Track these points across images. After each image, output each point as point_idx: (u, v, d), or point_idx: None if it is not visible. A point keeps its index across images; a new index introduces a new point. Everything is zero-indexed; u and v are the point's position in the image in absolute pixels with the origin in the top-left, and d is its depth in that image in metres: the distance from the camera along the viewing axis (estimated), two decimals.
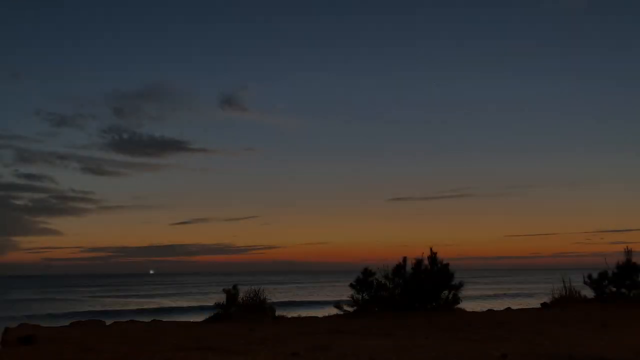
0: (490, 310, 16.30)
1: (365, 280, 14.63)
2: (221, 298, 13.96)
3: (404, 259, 15.05)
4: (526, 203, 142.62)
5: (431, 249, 15.07)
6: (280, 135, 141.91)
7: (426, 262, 14.91)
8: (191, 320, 14.33)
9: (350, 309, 14.40)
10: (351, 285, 14.75)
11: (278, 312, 14.30)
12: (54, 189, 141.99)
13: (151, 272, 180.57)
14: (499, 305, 21.51)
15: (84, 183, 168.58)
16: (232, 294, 13.65)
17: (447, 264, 14.90)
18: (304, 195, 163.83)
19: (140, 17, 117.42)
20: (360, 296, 14.52)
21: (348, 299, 14.72)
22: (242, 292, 13.83)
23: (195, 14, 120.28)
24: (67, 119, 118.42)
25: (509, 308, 17.42)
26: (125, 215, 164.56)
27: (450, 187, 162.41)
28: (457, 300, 14.72)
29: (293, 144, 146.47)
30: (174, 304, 41.23)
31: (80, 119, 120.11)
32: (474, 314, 14.45)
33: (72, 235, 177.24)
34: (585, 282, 17.08)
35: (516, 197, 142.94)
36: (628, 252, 16.82)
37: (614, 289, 16.73)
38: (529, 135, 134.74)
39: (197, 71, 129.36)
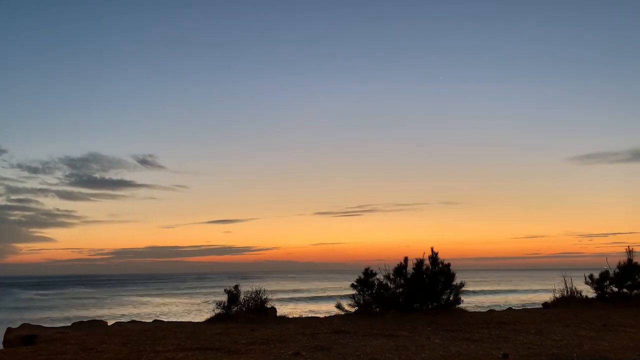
0: (491, 311, 16.29)
1: (366, 280, 14.54)
2: (222, 298, 13.94)
3: (405, 259, 14.97)
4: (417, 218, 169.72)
5: (432, 249, 14.98)
6: (200, 179, 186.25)
7: (427, 262, 14.84)
8: (192, 321, 14.34)
9: (351, 309, 14.35)
10: (352, 286, 14.66)
11: (279, 312, 14.30)
12: (41, 208, 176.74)
13: None
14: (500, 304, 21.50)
15: (65, 205, 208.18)
16: (233, 294, 13.60)
17: (449, 264, 14.78)
18: (252, 206, 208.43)
19: (77, 105, 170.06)
20: (362, 296, 14.45)
21: (349, 297, 14.64)
22: (243, 293, 13.79)
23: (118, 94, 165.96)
24: (39, 170, 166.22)
25: (510, 308, 17.43)
26: (107, 227, 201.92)
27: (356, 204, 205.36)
28: (458, 300, 14.67)
29: (215, 183, 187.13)
30: (174, 304, 41.24)
31: (48, 169, 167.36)
32: (475, 314, 14.44)
33: (65, 241, 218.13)
34: (586, 282, 17.05)
35: (409, 211, 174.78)
36: (630, 252, 16.76)
37: (615, 289, 16.69)
38: (417, 164, 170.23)
39: (118, 142, 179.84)
